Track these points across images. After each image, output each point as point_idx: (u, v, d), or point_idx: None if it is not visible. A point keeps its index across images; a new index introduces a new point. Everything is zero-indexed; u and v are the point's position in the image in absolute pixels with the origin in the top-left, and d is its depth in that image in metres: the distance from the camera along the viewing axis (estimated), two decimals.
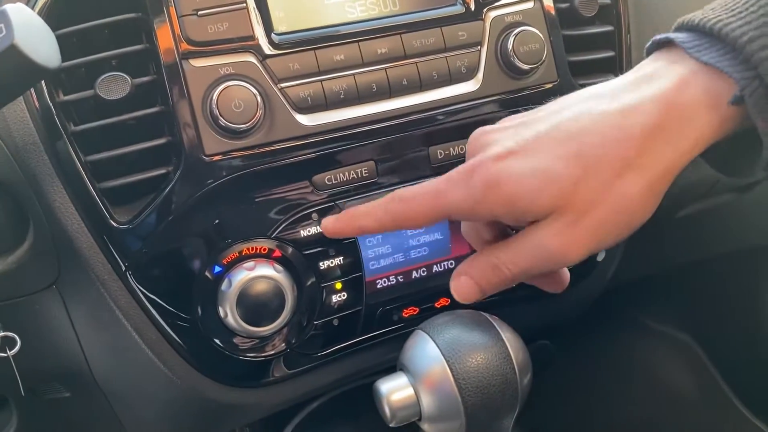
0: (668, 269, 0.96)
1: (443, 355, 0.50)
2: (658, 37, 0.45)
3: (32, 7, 0.54)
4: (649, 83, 0.42)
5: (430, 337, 0.52)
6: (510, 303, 0.66)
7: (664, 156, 0.40)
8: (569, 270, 0.67)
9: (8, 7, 0.45)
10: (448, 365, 0.50)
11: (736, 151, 0.46)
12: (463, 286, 0.46)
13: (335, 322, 0.63)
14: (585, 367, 1.08)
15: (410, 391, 0.51)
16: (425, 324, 0.54)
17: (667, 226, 0.86)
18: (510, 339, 0.51)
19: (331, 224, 0.50)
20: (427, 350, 0.51)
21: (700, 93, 0.41)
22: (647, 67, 0.44)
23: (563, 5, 0.68)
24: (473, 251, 0.65)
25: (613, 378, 1.07)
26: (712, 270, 0.97)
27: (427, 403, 0.51)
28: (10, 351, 0.56)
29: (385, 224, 0.47)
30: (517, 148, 0.42)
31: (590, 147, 0.40)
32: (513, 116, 0.47)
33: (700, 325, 1.03)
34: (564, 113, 0.43)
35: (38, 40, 0.45)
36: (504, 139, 0.43)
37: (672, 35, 0.44)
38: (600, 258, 0.73)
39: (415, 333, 0.54)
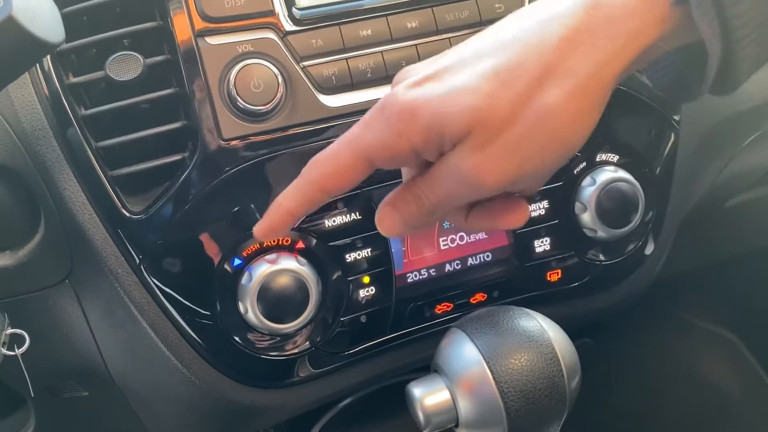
0: (715, 263, 0.92)
1: (483, 355, 0.47)
2: None
3: None
4: None
5: (468, 335, 0.48)
6: (554, 299, 0.63)
7: (589, 58, 0.36)
8: (617, 267, 0.63)
9: None
10: (489, 367, 0.46)
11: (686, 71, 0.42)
12: (386, 217, 0.43)
13: (363, 319, 0.60)
14: (625, 364, 1.06)
15: (446, 395, 0.48)
16: (462, 321, 0.51)
17: (715, 217, 0.84)
18: (556, 338, 0.47)
19: (258, 226, 0.44)
20: (464, 350, 0.48)
21: None
22: None
23: None
24: (510, 243, 0.62)
25: (655, 375, 1.06)
26: (755, 264, 0.94)
27: (465, 408, 0.47)
28: (18, 349, 0.54)
29: (312, 196, 0.42)
30: (435, 72, 0.39)
31: (509, 59, 0.37)
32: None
33: (743, 321, 1.01)
34: (486, 34, 0.40)
35: (39, 12, 0.42)
36: (422, 68, 0.40)
37: None
38: (648, 251, 0.69)
39: (450, 331, 0.51)
